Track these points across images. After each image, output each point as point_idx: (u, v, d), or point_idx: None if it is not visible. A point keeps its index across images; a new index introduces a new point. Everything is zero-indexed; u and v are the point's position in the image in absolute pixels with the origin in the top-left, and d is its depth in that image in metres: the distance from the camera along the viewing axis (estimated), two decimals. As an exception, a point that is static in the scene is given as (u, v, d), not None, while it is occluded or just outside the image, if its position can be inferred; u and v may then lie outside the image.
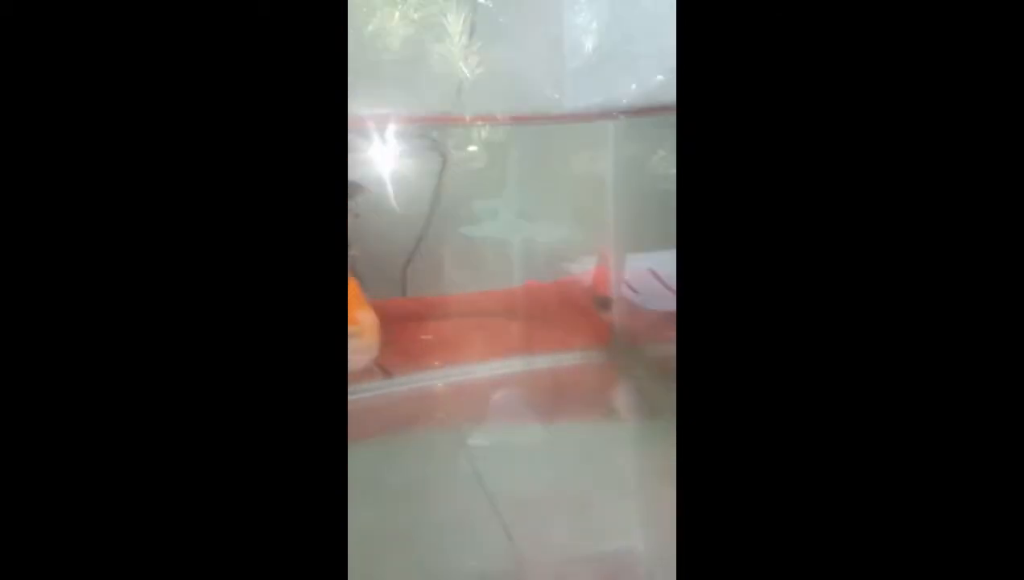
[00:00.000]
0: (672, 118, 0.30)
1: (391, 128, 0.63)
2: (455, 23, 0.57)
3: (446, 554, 0.53)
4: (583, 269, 0.94)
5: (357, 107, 0.59)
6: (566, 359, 0.89)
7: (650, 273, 0.89)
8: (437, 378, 0.84)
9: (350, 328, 0.54)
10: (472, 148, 0.56)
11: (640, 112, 0.75)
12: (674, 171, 0.76)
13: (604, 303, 0.89)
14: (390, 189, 0.69)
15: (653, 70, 0.67)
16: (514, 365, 0.87)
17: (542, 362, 0.88)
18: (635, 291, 0.93)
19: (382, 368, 0.74)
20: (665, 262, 0.87)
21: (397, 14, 0.54)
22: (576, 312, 0.93)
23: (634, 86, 0.62)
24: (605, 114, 0.76)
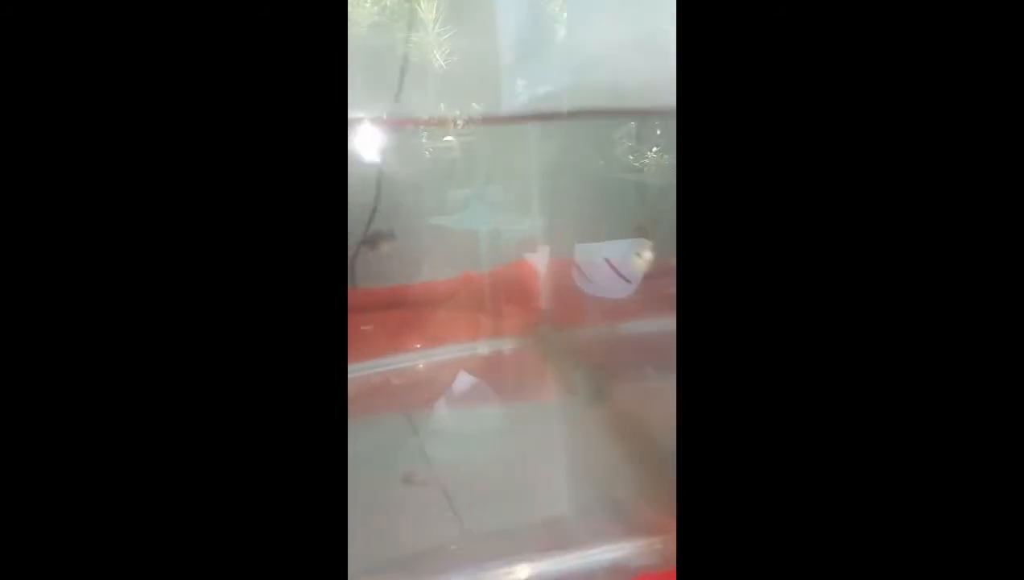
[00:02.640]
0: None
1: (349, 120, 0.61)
2: (428, 11, 0.54)
3: (395, 529, 0.55)
4: (542, 258, 0.95)
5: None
6: (499, 345, 0.91)
7: (605, 262, 0.91)
8: (383, 366, 0.85)
9: None
10: (448, 138, 0.54)
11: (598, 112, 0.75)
12: (636, 163, 0.77)
13: (372, 241, 0.89)
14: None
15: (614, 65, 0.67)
16: (453, 351, 0.88)
17: (479, 348, 0.90)
18: (590, 280, 0.94)
19: None
20: (618, 251, 0.89)
21: (369, 1, 0.51)
22: (508, 300, 0.94)
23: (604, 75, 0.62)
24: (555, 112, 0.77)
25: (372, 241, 0.72)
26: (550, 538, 0.53)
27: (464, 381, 0.84)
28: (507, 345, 0.91)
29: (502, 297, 0.92)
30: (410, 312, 0.87)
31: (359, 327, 0.84)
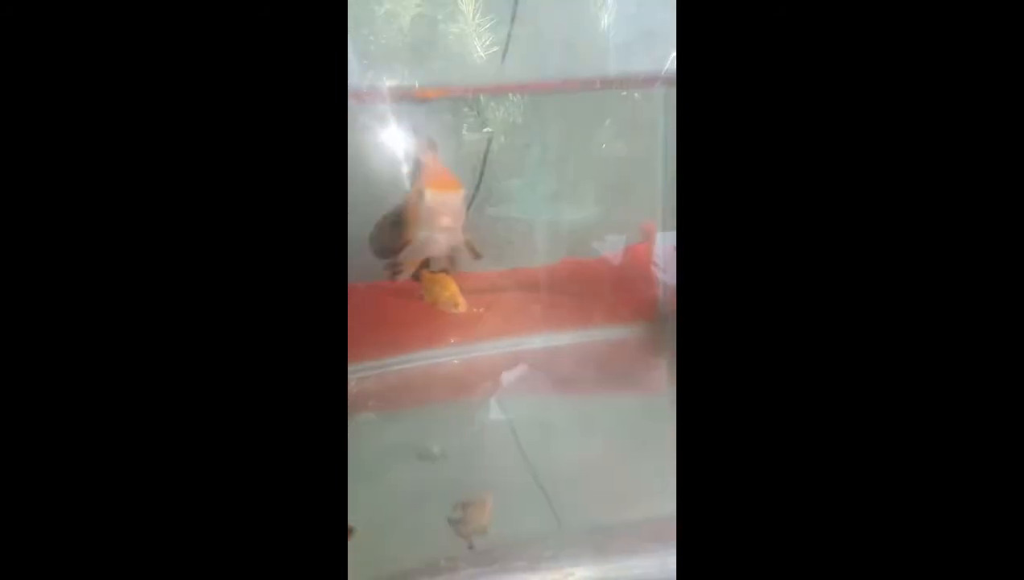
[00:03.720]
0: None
1: (433, 105, 0.64)
2: (468, 2, 0.58)
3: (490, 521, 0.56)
4: (612, 247, 0.94)
5: (382, 85, 0.61)
6: (612, 333, 0.90)
7: (674, 250, 0.90)
8: (486, 350, 0.87)
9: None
10: (487, 129, 0.57)
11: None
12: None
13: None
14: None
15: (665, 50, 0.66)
16: (562, 338, 0.89)
17: (591, 335, 0.90)
18: (663, 270, 0.93)
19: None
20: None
21: (411, -8, 0.56)
22: (620, 287, 0.94)
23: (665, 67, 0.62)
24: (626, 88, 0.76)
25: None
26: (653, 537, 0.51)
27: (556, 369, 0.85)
28: (619, 334, 0.90)
29: (612, 285, 0.92)
30: (502, 298, 0.88)
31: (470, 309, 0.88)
